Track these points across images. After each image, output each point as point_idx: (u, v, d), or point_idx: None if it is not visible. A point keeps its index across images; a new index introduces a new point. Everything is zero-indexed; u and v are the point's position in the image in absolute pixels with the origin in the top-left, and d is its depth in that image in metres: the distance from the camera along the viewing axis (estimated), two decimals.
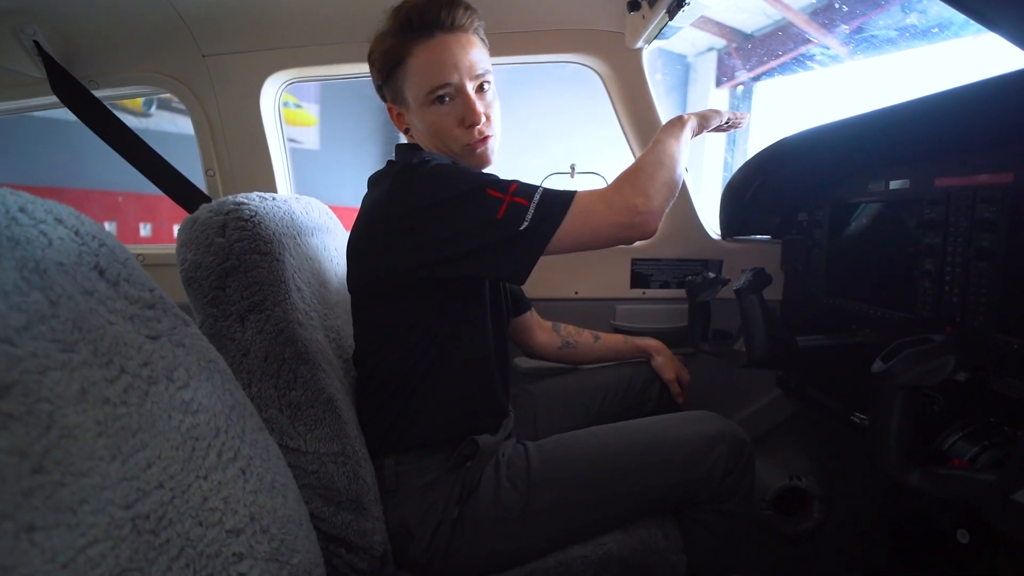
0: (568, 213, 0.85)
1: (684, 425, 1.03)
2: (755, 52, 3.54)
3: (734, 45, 3.62)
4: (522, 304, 1.33)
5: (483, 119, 0.98)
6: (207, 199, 1.43)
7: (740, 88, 4.24)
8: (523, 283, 0.89)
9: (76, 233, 0.59)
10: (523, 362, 1.52)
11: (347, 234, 1.30)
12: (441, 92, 0.95)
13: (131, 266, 0.64)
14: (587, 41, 1.39)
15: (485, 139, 0.99)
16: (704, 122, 1.08)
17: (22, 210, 0.54)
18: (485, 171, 0.95)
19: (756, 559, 1.50)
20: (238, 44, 1.37)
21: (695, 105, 4.64)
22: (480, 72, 0.97)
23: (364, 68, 1.44)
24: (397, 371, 0.97)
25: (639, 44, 1.30)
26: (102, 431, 0.51)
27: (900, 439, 0.71)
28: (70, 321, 0.52)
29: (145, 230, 4.44)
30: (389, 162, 1.04)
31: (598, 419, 1.24)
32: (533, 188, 0.87)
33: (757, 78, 3.91)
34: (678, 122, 1.02)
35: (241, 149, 1.46)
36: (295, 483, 0.78)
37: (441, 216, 0.86)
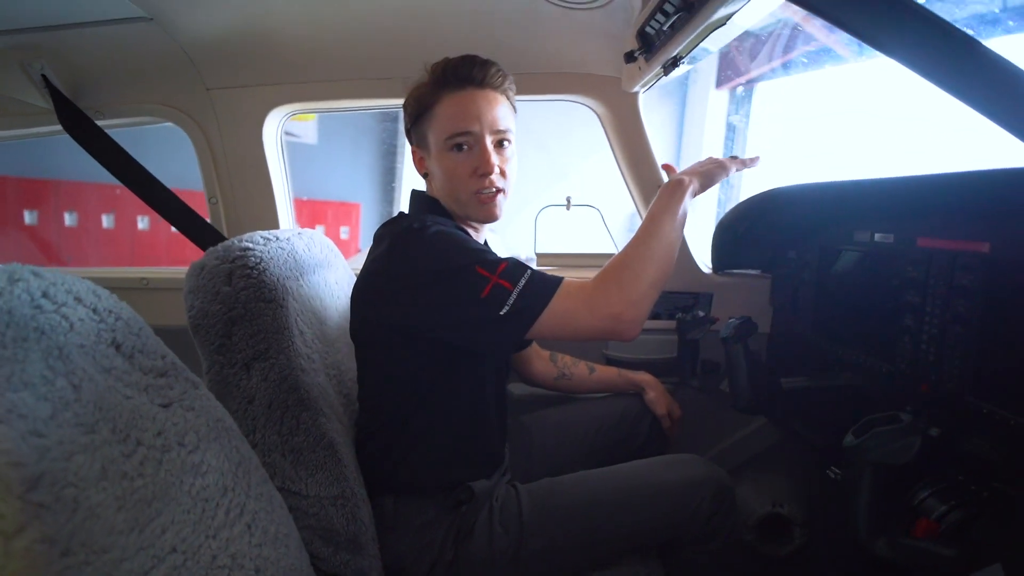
0: (548, 307, 0.86)
1: (670, 470, 1.07)
2: (756, 51, 3.52)
3: (735, 44, 3.60)
4: (524, 340, 1.37)
5: (496, 171, 1.00)
6: (210, 230, 1.46)
7: (740, 89, 4.26)
8: (504, 358, 0.90)
9: (94, 311, 0.62)
10: (516, 388, 1.56)
11: (347, 266, 1.34)
12: (460, 140, 1.00)
13: (144, 336, 0.67)
14: (586, 84, 1.44)
15: (495, 193, 1.02)
16: (707, 181, 1.04)
17: (45, 295, 0.57)
18: (482, 247, 0.95)
19: None
20: (241, 79, 1.41)
21: (693, 106, 4.63)
22: (501, 128, 1.01)
23: (363, 103, 1.50)
24: (398, 416, 1.01)
25: (635, 89, 1.34)
26: (121, 505, 0.55)
27: (868, 510, 0.75)
28: (91, 403, 0.55)
29: (143, 223, 4.44)
30: (400, 214, 1.08)
31: (590, 451, 1.28)
32: (521, 271, 0.88)
33: (758, 78, 3.91)
34: (678, 188, 0.98)
35: (244, 179, 1.49)
36: (296, 531, 0.82)
37: (430, 286, 0.88)
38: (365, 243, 5.15)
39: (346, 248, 5.15)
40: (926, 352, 0.97)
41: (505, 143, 1.03)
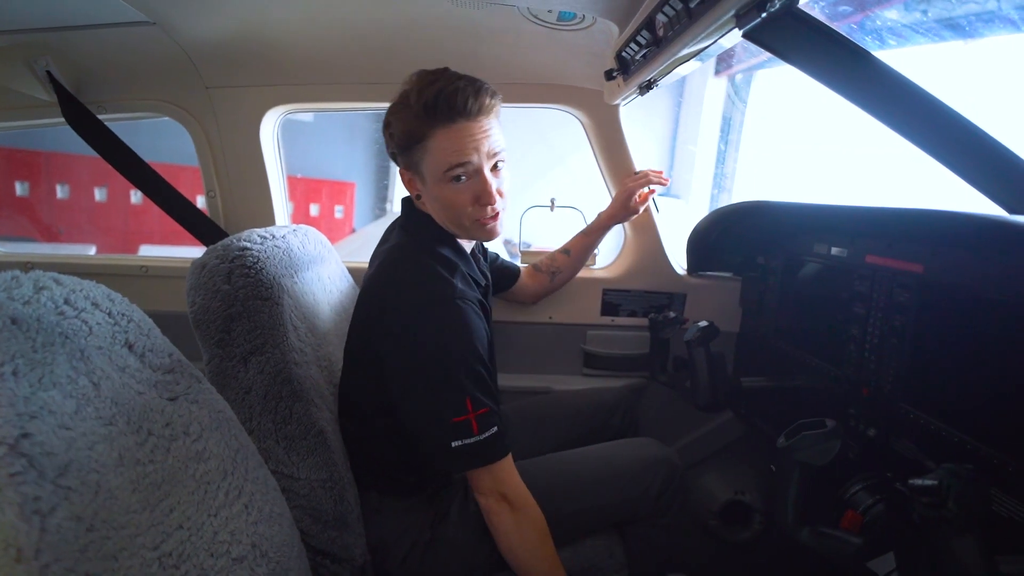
0: (484, 467, 0.97)
1: (627, 451, 1.18)
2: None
3: None
4: (512, 274, 1.48)
5: (497, 199, 1.02)
6: (208, 222, 1.52)
7: (739, 76, 4.26)
8: None
9: (109, 315, 0.69)
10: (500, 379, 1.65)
11: (339, 261, 1.41)
12: (459, 171, 0.99)
13: (153, 336, 0.75)
14: (571, 95, 1.52)
15: (495, 216, 1.04)
16: None
17: (67, 302, 0.64)
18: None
19: (701, 562, 1.67)
20: (240, 79, 1.46)
21: (691, 91, 4.60)
22: (496, 151, 1.01)
23: (354, 105, 1.56)
24: (386, 430, 1.06)
25: (615, 102, 1.41)
26: (135, 488, 0.63)
27: (794, 504, 0.85)
28: (109, 399, 0.63)
29: (136, 197, 4.45)
30: (400, 227, 1.14)
31: (566, 439, 1.37)
32: (492, 423, 0.96)
33: (758, 66, 3.91)
34: None
35: (241, 174, 1.55)
36: (288, 510, 0.91)
37: (421, 372, 0.96)
38: (359, 223, 5.17)
39: (340, 228, 5.16)
40: (868, 360, 1.06)
41: (499, 164, 1.03)
